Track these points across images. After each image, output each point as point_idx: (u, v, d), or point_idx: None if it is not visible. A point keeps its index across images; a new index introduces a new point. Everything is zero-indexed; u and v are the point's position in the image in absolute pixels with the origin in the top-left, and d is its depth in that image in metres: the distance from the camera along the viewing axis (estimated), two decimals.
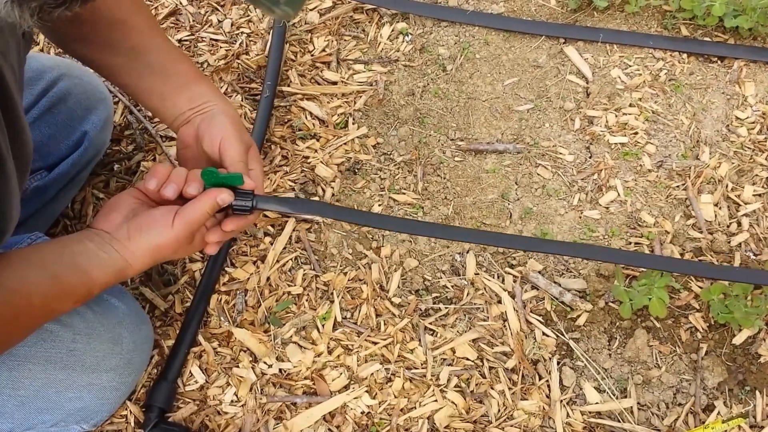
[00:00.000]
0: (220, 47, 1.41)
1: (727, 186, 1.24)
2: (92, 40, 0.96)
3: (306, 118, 1.32)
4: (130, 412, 1.03)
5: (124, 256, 0.84)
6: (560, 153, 1.28)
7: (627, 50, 1.40)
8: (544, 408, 1.06)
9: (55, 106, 1.13)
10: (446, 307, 1.14)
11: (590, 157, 1.28)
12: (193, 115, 0.96)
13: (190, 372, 1.07)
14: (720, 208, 1.23)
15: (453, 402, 1.06)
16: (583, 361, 1.10)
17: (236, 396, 1.06)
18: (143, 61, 0.96)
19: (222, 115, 0.95)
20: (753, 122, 1.31)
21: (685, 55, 1.39)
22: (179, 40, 1.42)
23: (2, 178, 0.71)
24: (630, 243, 1.19)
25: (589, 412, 1.06)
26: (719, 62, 1.38)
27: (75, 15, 0.91)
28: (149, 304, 1.13)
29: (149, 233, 0.84)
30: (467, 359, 1.09)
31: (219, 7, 1.47)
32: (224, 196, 0.86)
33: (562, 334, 1.12)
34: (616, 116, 1.32)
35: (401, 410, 1.05)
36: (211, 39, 1.42)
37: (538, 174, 1.26)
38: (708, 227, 1.21)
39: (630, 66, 1.38)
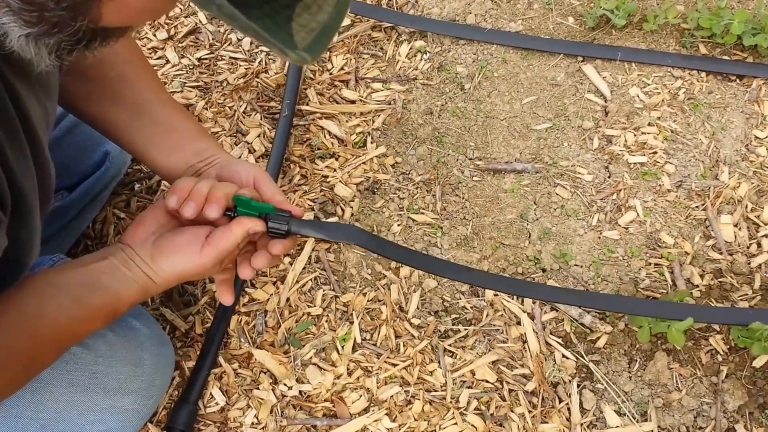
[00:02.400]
0: (240, 66, 1.42)
1: (746, 206, 1.24)
2: (99, 96, 0.94)
3: (325, 137, 1.33)
4: None
5: (147, 274, 0.83)
6: (579, 172, 1.28)
7: (645, 69, 1.39)
8: (564, 431, 1.06)
9: (75, 127, 1.13)
10: (465, 329, 1.14)
11: (609, 177, 1.28)
12: (203, 167, 0.93)
13: (211, 394, 1.08)
14: (740, 229, 1.22)
15: (473, 425, 1.06)
16: (603, 384, 1.10)
17: (257, 418, 1.06)
18: (149, 116, 0.95)
19: (238, 162, 0.93)
20: None
21: (703, 74, 1.38)
22: (199, 59, 1.43)
23: (26, 217, 0.72)
24: (650, 264, 1.19)
25: None
26: (738, 81, 1.38)
27: (83, 72, 0.92)
28: (170, 324, 1.14)
29: (173, 258, 0.83)
30: (487, 381, 1.09)
31: None
32: (256, 227, 0.84)
33: (582, 357, 1.12)
34: (635, 135, 1.32)
35: None
36: (230, 57, 1.43)
37: (557, 194, 1.26)
38: (728, 248, 1.21)
39: (648, 84, 1.38)
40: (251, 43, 1.46)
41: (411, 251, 1.16)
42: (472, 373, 1.10)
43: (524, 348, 1.12)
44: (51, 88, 0.77)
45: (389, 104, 1.37)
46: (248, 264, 0.89)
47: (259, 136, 1.33)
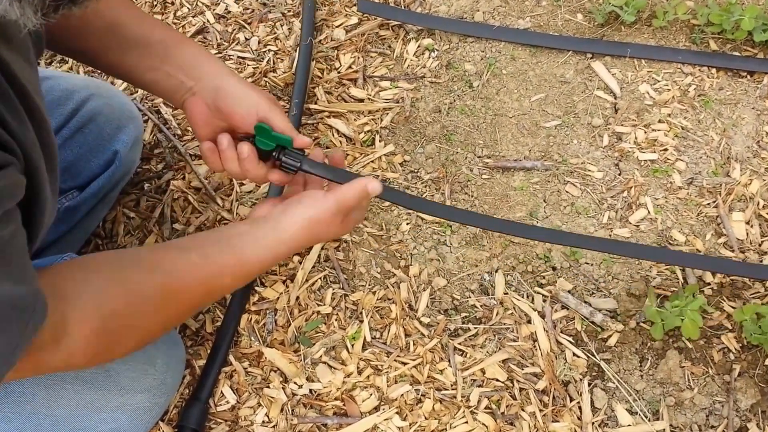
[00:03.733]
0: (248, 65, 1.42)
1: (758, 203, 1.23)
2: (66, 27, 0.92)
3: (333, 135, 1.33)
4: None
5: (278, 233, 0.86)
6: (589, 170, 1.28)
7: (655, 65, 1.39)
8: (575, 430, 1.05)
9: (85, 126, 1.14)
10: (475, 327, 1.13)
11: (619, 174, 1.27)
12: (195, 86, 0.93)
13: (222, 392, 1.08)
14: (751, 226, 1.22)
15: (484, 424, 1.05)
16: (614, 383, 1.09)
17: (267, 417, 1.06)
18: (120, 37, 0.94)
19: (234, 84, 0.93)
20: None
21: (714, 70, 1.38)
22: None
23: (33, 175, 0.70)
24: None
25: None
26: (749, 77, 1.37)
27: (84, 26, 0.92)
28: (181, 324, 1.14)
29: (303, 204, 0.87)
30: (497, 380, 1.09)
31: (246, 25, 1.48)
32: (375, 185, 0.89)
33: (593, 355, 1.11)
34: (645, 132, 1.31)
35: None
36: (238, 57, 1.43)
37: (567, 191, 1.26)
38: (740, 246, 1.20)
39: (658, 81, 1.37)
40: (259, 43, 1.46)
41: (424, 200, 1.18)
42: (483, 371, 1.10)
43: (535, 346, 1.12)
44: (29, 49, 0.74)
45: (397, 102, 1.36)
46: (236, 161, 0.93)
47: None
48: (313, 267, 1.19)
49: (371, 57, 1.43)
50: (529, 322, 1.14)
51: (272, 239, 0.87)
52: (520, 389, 1.08)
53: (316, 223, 0.88)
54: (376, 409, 1.07)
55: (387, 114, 1.35)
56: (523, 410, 1.07)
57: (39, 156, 0.70)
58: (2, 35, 0.65)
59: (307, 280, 1.17)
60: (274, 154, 0.91)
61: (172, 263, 0.83)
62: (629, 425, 1.06)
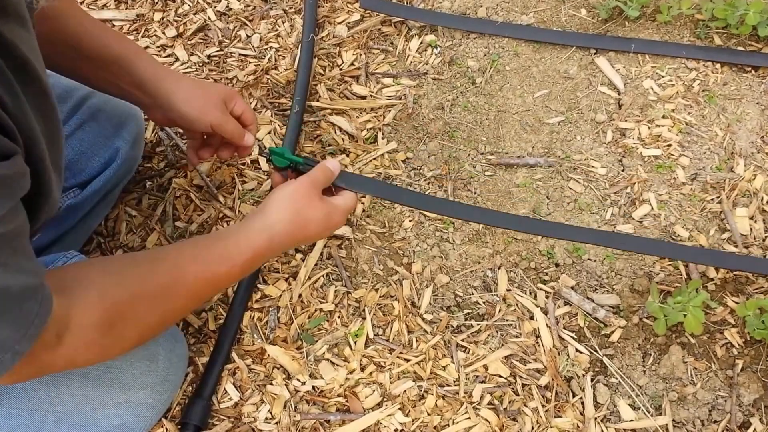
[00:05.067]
0: (249, 62, 1.42)
1: (762, 199, 1.23)
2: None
3: (335, 133, 1.33)
4: (166, 430, 1.04)
5: (265, 215, 0.92)
6: (592, 166, 1.27)
7: (659, 60, 1.38)
8: (578, 425, 1.05)
9: (86, 123, 1.14)
10: (478, 324, 1.13)
11: (623, 170, 1.27)
12: (152, 102, 1.02)
13: (225, 389, 1.08)
14: (755, 222, 1.21)
15: (486, 419, 1.05)
16: (617, 378, 1.09)
17: (270, 413, 1.06)
18: (80, 51, 0.98)
19: (183, 100, 1.02)
20: None
21: (718, 65, 1.37)
22: (208, 56, 1.44)
23: (31, 148, 0.70)
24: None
25: (624, 430, 1.05)
26: (753, 72, 1.36)
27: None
28: (183, 321, 1.14)
29: (281, 187, 0.96)
30: (500, 376, 1.09)
31: (247, 22, 1.48)
32: (334, 164, 1.02)
33: (596, 351, 1.11)
34: (649, 128, 1.30)
35: (434, 428, 1.05)
36: (240, 54, 1.43)
37: (570, 188, 1.26)
38: (743, 241, 1.19)
39: (662, 76, 1.36)
40: (261, 40, 1.46)
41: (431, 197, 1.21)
42: (485, 367, 1.10)
43: (537, 342, 1.12)
44: (26, 17, 0.73)
45: (400, 99, 1.36)
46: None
47: (269, 132, 1.33)
48: (316, 264, 1.19)
49: (374, 54, 1.43)
50: (531, 318, 1.14)
51: (260, 223, 0.92)
52: (523, 385, 1.08)
53: (296, 195, 0.94)
54: (379, 405, 1.07)
55: (389, 111, 1.35)
56: (525, 406, 1.07)
57: (39, 136, 0.70)
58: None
59: (309, 278, 1.17)
60: (290, 165, 1.04)
61: (171, 258, 0.86)
62: (632, 420, 1.06)
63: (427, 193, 1.25)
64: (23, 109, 0.67)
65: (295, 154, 1.05)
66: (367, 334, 1.12)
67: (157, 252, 0.91)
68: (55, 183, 0.76)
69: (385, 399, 1.07)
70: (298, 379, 1.09)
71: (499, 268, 1.18)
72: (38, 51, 0.73)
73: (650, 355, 1.11)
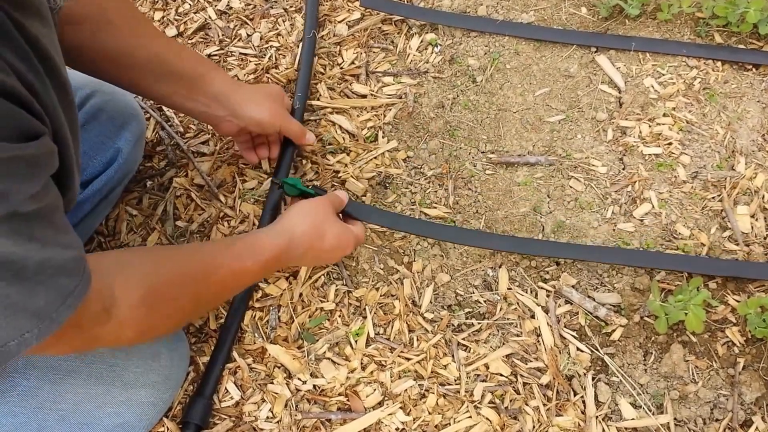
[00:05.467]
0: (250, 61, 1.42)
1: (763, 197, 1.22)
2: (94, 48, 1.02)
3: (336, 131, 1.33)
4: (168, 429, 1.04)
5: (284, 220, 1.01)
6: (593, 165, 1.27)
7: (660, 59, 1.38)
8: (579, 424, 1.05)
9: (87, 123, 1.14)
10: (479, 323, 1.13)
11: (624, 169, 1.27)
12: (227, 115, 1.13)
13: (226, 388, 1.08)
14: (756, 220, 1.21)
15: (487, 418, 1.05)
16: (618, 377, 1.09)
17: (271, 412, 1.06)
18: (162, 68, 1.06)
19: (255, 112, 1.14)
20: None
21: (719, 63, 1.37)
22: (209, 55, 1.43)
23: (59, 136, 0.71)
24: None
25: (626, 428, 1.05)
26: (754, 70, 1.36)
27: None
28: None
29: (295, 207, 1.04)
30: (501, 375, 1.09)
31: (248, 21, 1.48)
32: (344, 193, 1.13)
33: (597, 350, 1.11)
34: (650, 126, 1.30)
35: (435, 427, 1.05)
36: (240, 53, 1.43)
37: (571, 186, 1.25)
38: (744, 239, 1.19)
39: (663, 75, 1.36)
40: (261, 39, 1.46)
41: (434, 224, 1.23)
42: (486, 366, 1.10)
43: (538, 341, 1.12)
44: (47, 14, 0.74)
45: (400, 98, 1.36)
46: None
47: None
48: None
49: (374, 52, 1.43)
50: (532, 317, 1.14)
51: (280, 227, 1.00)
52: (524, 384, 1.08)
53: (316, 209, 1.03)
54: (380, 404, 1.07)
55: (390, 110, 1.35)
56: (526, 404, 1.07)
57: (63, 121, 0.71)
58: (17, 1, 0.65)
59: (310, 277, 1.17)
60: (301, 194, 1.12)
61: (204, 249, 0.95)
62: (633, 419, 1.06)
63: (427, 192, 1.25)
64: (50, 95, 0.68)
65: (303, 185, 1.13)
66: (368, 333, 1.12)
67: (189, 245, 1.06)
68: (77, 171, 0.77)
69: (386, 398, 1.07)
70: (299, 378, 1.09)
71: (499, 267, 1.18)
72: (58, 47, 0.74)
73: (651, 353, 1.11)
